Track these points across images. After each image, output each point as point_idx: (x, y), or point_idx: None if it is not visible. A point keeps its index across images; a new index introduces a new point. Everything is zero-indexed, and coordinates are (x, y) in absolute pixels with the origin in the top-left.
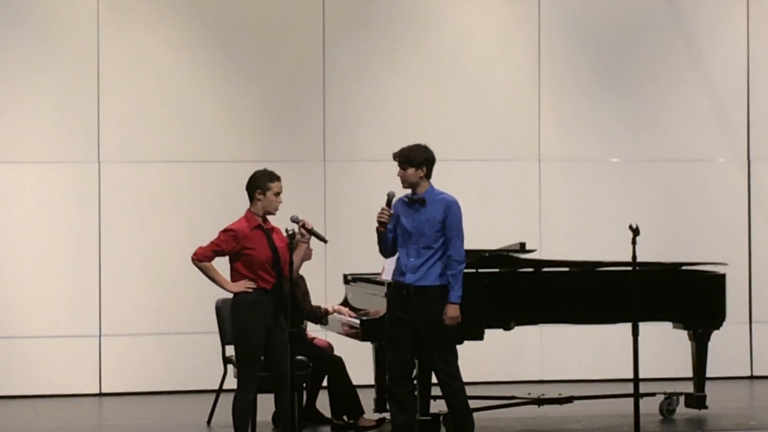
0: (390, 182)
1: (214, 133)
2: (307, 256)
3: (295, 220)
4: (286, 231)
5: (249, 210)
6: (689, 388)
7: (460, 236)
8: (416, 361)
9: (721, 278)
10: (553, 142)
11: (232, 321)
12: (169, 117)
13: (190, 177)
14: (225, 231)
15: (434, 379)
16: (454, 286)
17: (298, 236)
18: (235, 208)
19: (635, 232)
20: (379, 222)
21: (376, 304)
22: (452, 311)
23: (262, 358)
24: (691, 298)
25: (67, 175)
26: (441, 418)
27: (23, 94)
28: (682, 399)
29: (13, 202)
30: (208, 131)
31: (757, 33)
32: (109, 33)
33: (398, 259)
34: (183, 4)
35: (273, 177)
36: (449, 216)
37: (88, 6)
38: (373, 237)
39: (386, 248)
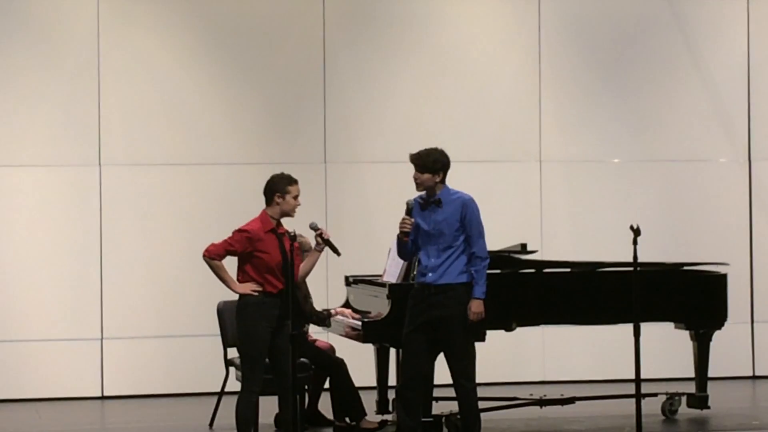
0: (391, 183)
1: (215, 135)
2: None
3: (313, 227)
4: (288, 233)
5: (264, 211)
6: (691, 388)
7: (481, 233)
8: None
9: (722, 278)
10: (553, 143)
11: (237, 322)
12: (169, 120)
13: (191, 180)
14: (240, 231)
15: (437, 381)
16: (479, 282)
17: (303, 240)
18: (236, 210)
19: (636, 232)
20: (402, 232)
21: (378, 305)
22: (476, 306)
23: (268, 360)
24: (692, 298)
25: (68, 179)
26: (443, 419)
27: (24, 97)
28: (684, 399)
29: (15, 206)
30: (208, 134)
31: (757, 33)
32: (110, 37)
33: (419, 262)
34: (183, 7)
35: (292, 180)
36: (467, 214)
37: (89, 10)
38: (375, 238)
39: (407, 253)
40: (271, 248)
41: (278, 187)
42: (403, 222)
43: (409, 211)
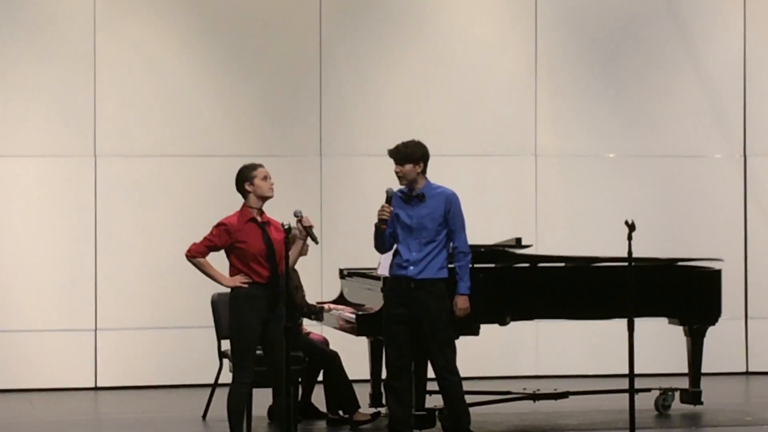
0: (386, 177)
1: (211, 127)
2: (303, 251)
3: (297, 214)
4: (283, 225)
5: (244, 204)
6: (684, 383)
7: (464, 228)
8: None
9: (716, 274)
10: (549, 138)
11: (229, 314)
12: (165, 111)
13: (186, 171)
14: (217, 225)
15: (430, 374)
16: (463, 278)
17: (295, 231)
18: (230, 202)
19: (631, 227)
20: (380, 219)
21: (372, 298)
22: (462, 302)
23: (261, 352)
24: (686, 293)
25: (63, 169)
26: (437, 412)
27: (20, 88)
28: (677, 395)
29: (9, 196)
30: (204, 125)
31: (753, 29)
32: (106, 27)
33: (397, 254)
34: None
35: (255, 165)
36: (450, 209)
37: (85, 1)
38: (370, 232)
39: (383, 244)
40: (251, 237)
41: (244, 176)
42: (381, 210)
43: (388, 199)
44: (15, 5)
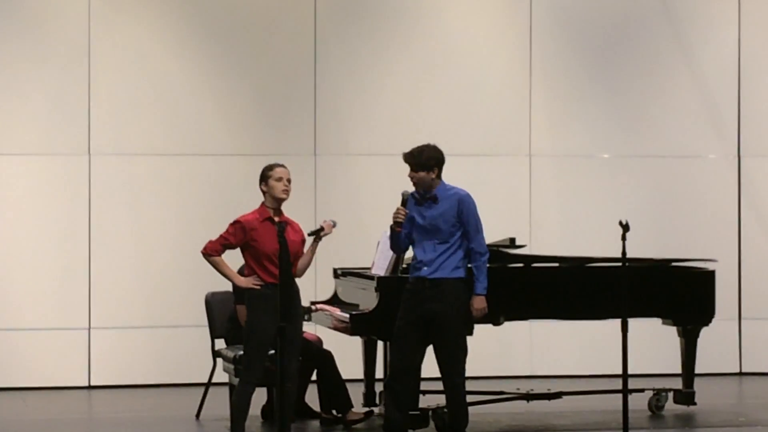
0: (380, 176)
1: (205, 126)
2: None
3: (334, 224)
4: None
5: (262, 203)
6: (678, 384)
7: (479, 228)
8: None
9: (710, 275)
10: (543, 138)
11: (246, 313)
12: (159, 110)
13: (181, 170)
14: (233, 223)
15: (425, 374)
16: (479, 278)
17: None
18: (225, 201)
19: (625, 228)
20: (396, 222)
21: (366, 298)
22: (478, 303)
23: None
24: (680, 294)
25: (57, 168)
26: (430, 413)
27: (14, 86)
28: (670, 395)
29: (3, 194)
30: (198, 124)
31: (748, 29)
32: (101, 25)
33: (414, 256)
34: None
35: (274, 165)
36: (464, 210)
37: None
38: (364, 231)
39: (400, 245)
40: (264, 237)
41: (262, 176)
42: (396, 212)
43: (404, 202)
44: (9, 3)
